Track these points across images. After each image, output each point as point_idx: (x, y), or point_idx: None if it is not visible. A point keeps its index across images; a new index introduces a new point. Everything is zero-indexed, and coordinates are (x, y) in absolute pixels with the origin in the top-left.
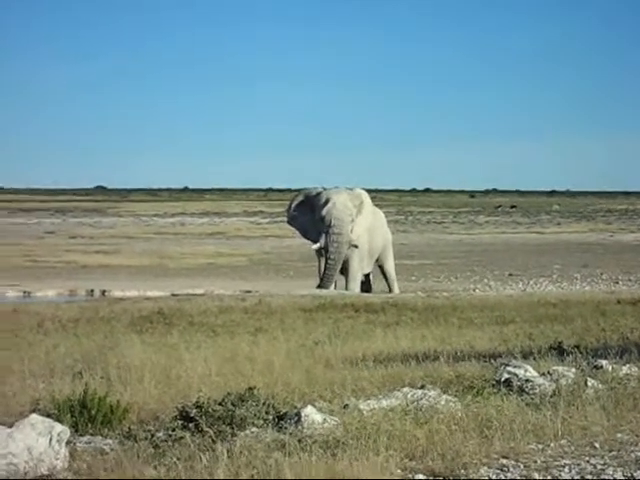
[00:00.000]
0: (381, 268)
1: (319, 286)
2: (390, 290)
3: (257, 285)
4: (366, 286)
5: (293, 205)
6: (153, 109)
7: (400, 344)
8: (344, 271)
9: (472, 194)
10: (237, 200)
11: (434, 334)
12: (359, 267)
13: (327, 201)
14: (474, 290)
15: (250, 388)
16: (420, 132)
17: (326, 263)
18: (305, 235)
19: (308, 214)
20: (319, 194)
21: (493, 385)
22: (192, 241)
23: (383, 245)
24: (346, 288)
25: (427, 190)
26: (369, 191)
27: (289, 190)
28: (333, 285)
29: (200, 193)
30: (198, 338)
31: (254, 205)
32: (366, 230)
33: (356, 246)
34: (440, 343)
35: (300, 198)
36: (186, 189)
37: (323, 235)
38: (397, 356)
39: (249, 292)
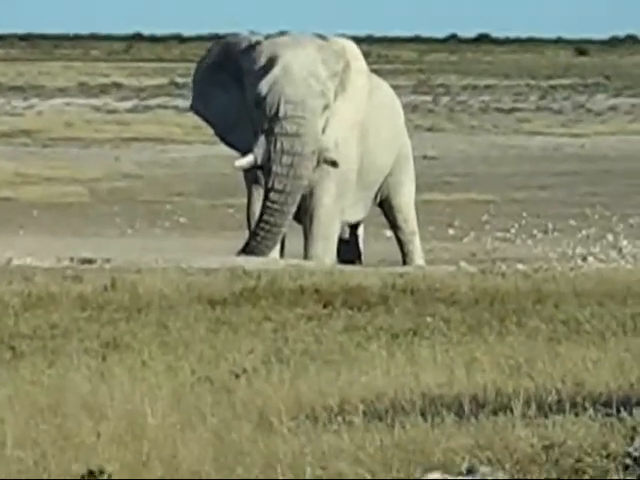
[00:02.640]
0: (387, 208)
1: (247, 249)
2: (404, 257)
3: (107, 247)
4: (350, 249)
5: (202, 72)
6: None
7: (422, 376)
8: (304, 217)
9: (581, 48)
10: (64, 61)
11: (495, 354)
12: (336, 209)
13: (271, 62)
14: (584, 259)
15: (91, 472)
16: None
17: (265, 199)
18: (224, 135)
19: (231, 91)
20: (254, 47)
21: (626, 467)
22: None
23: (395, 158)
24: (306, 255)
25: (480, 39)
26: (358, 42)
27: (180, 38)
28: (278, 247)
29: None
30: None
31: (102, 70)
32: (356, 127)
33: (334, 163)
34: (509, 375)
35: (216, 56)
36: None
37: (262, 138)
38: (415, 403)
39: (90, 262)
